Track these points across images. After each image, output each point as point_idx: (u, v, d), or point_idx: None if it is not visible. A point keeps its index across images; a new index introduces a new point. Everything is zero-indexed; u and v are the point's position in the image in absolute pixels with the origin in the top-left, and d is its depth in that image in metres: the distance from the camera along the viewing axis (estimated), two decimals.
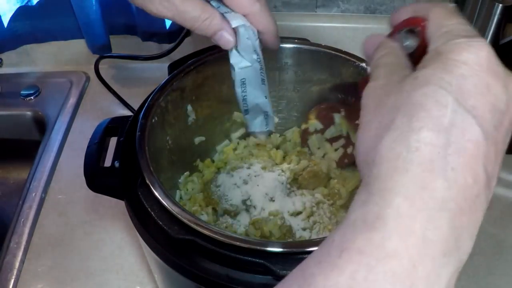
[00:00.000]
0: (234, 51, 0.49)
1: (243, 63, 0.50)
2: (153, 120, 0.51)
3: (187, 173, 0.62)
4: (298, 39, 0.62)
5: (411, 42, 0.30)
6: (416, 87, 0.25)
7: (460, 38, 0.26)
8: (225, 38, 0.46)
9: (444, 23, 0.27)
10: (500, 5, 0.70)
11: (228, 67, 0.51)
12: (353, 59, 0.58)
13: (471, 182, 0.24)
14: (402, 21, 0.31)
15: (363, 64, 0.57)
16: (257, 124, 0.57)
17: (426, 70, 0.25)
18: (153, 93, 0.54)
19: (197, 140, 0.63)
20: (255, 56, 0.49)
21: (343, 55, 0.59)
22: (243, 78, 0.51)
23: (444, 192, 0.23)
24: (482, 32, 0.73)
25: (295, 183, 0.62)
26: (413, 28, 0.30)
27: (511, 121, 0.25)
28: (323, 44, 0.60)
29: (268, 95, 0.54)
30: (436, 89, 0.24)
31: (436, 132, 0.23)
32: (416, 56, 0.29)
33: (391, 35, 0.32)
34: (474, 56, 0.25)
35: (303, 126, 0.65)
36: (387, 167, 0.24)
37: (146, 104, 0.53)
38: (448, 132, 0.23)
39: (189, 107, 0.59)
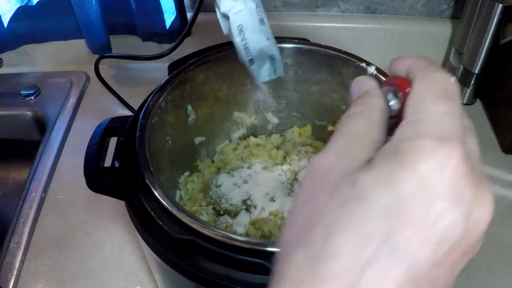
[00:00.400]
0: None
1: (237, 6, 0.47)
2: (153, 120, 0.51)
3: (187, 173, 0.62)
4: (298, 39, 0.62)
5: (394, 104, 0.25)
6: (348, 198, 0.20)
7: (429, 138, 0.20)
8: None
9: (423, 106, 0.22)
10: (500, 5, 0.70)
11: (228, 66, 0.49)
12: (353, 59, 0.58)
13: None
14: (391, 77, 0.26)
15: (363, 64, 0.57)
16: (265, 73, 0.53)
17: (369, 175, 0.20)
18: (153, 93, 0.54)
19: (197, 140, 0.63)
20: None
21: (343, 55, 0.59)
22: (240, 25, 0.47)
23: None
24: (482, 32, 0.73)
25: (296, 183, 0.62)
26: (396, 90, 0.25)
27: (463, 255, 0.20)
28: (323, 44, 0.60)
29: (271, 36, 0.49)
30: (368, 209, 0.19)
31: (349, 267, 0.19)
32: (397, 122, 0.23)
33: (384, 84, 0.26)
34: (437, 170, 0.19)
35: (330, 128, 0.65)
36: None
37: (146, 104, 0.53)
38: (364, 268, 0.19)
39: (189, 107, 0.59)
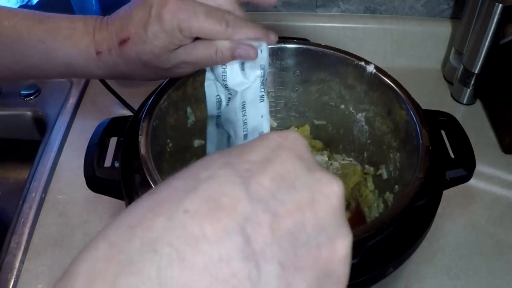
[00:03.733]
0: (237, 69, 0.46)
1: (245, 83, 0.47)
2: (154, 123, 0.51)
3: None
4: (298, 39, 0.61)
5: None
6: None
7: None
8: (245, 52, 0.45)
9: None
10: (500, 5, 0.70)
11: None
12: (352, 58, 0.58)
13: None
14: None
15: (362, 63, 0.57)
16: None
17: None
18: (153, 95, 0.54)
19: (197, 143, 0.63)
20: (258, 72, 0.46)
21: (341, 54, 0.59)
22: (244, 101, 0.48)
23: (161, 232, 0.19)
24: (482, 32, 0.73)
25: None
26: None
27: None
28: (321, 44, 0.61)
29: (266, 113, 0.50)
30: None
31: None
32: None
33: None
34: None
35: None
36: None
37: (147, 106, 0.52)
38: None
39: (189, 109, 0.59)
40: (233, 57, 0.45)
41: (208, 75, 0.48)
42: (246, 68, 0.46)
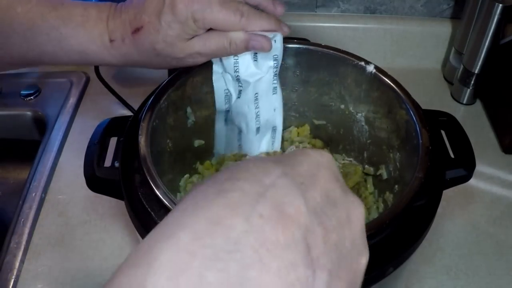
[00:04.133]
0: (249, 60, 0.45)
1: (258, 74, 0.46)
2: (154, 123, 0.51)
3: (187, 175, 0.62)
4: (297, 39, 0.61)
5: None
6: None
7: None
8: (259, 44, 0.44)
9: None
10: (500, 5, 0.70)
11: None
12: (352, 58, 0.58)
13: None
14: None
15: (362, 63, 0.57)
16: (264, 145, 0.53)
17: None
18: (153, 95, 0.54)
19: (197, 143, 0.63)
20: (272, 63, 0.46)
21: (341, 55, 0.59)
22: (257, 93, 0.47)
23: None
24: (482, 32, 0.73)
25: None
26: None
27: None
28: (321, 44, 0.61)
29: (279, 106, 0.49)
30: None
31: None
32: None
33: None
34: None
35: None
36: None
37: (147, 106, 0.52)
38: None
39: (189, 109, 0.59)
40: (247, 49, 0.44)
41: (216, 68, 0.47)
42: (259, 58, 0.46)
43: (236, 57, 0.45)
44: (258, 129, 0.50)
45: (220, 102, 0.48)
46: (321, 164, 0.26)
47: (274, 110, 0.50)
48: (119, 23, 0.45)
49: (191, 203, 0.22)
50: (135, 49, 0.46)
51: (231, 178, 0.23)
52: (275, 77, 0.47)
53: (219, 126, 0.51)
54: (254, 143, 0.52)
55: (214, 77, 0.48)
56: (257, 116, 0.49)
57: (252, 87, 0.46)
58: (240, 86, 0.47)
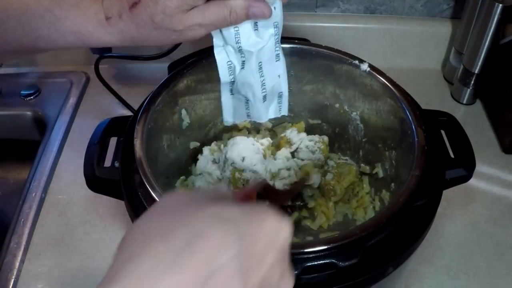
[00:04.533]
0: (250, 30, 0.45)
1: (260, 43, 0.46)
2: (149, 126, 0.51)
3: (183, 177, 0.62)
4: (298, 39, 0.62)
5: None
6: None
7: None
8: (259, 11, 0.44)
9: None
10: (500, 5, 0.70)
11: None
12: (346, 57, 0.58)
13: None
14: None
15: (356, 62, 0.57)
16: (272, 111, 0.53)
17: None
18: (148, 98, 0.54)
19: (192, 145, 0.63)
20: (272, 30, 0.45)
21: (335, 54, 0.59)
22: (260, 62, 0.47)
23: None
24: (482, 32, 0.73)
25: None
26: None
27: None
28: (315, 43, 0.61)
29: (283, 72, 0.49)
30: None
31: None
32: None
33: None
34: None
35: None
36: None
37: (142, 109, 0.53)
38: None
39: (183, 111, 0.59)
40: (247, 16, 0.44)
41: (217, 41, 0.47)
42: (260, 27, 0.45)
43: (236, 28, 0.45)
44: (265, 97, 0.50)
45: (224, 74, 0.48)
46: (276, 243, 0.27)
47: (279, 76, 0.49)
48: (114, 0, 0.45)
49: (148, 262, 0.24)
50: (133, 24, 0.45)
51: (189, 246, 0.24)
52: (277, 44, 0.47)
53: (225, 97, 0.51)
54: (262, 110, 0.51)
55: (215, 51, 0.47)
56: (263, 84, 0.49)
57: (255, 56, 0.46)
58: (243, 56, 0.47)
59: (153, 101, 0.53)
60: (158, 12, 0.43)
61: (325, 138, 0.66)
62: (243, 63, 0.47)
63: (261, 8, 0.43)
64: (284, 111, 0.53)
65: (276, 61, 0.48)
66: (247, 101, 0.50)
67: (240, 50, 0.46)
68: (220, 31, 0.46)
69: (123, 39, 0.47)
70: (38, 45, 0.49)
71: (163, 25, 0.44)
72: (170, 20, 0.44)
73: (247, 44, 0.46)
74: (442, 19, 0.87)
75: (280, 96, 0.51)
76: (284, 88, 0.51)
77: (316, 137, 0.65)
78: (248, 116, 0.52)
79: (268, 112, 0.52)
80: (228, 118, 0.53)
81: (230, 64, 0.48)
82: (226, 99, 0.51)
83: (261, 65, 0.47)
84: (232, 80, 0.49)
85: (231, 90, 0.50)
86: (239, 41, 0.45)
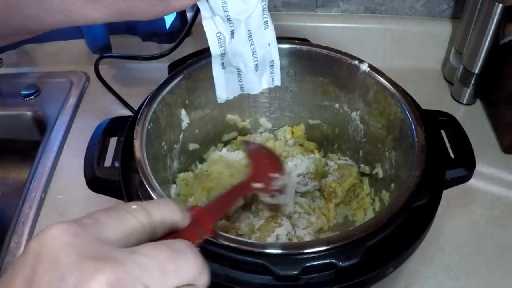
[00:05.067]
0: None
1: (248, 10, 0.45)
2: (149, 127, 0.51)
3: (183, 177, 0.62)
4: (298, 39, 0.62)
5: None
6: None
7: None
8: None
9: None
10: (500, 5, 0.70)
11: None
12: (345, 58, 0.58)
13: None
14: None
15: (356, 62, 0.57)
16: (265, 81, 0.52)
17: None
18: (147, 98, 0.54)
19: (191, 146, 0.63)
20: None
21: (335, 54, 0.59)
22: (249, 29, 0.46)
23: None
24: (482, 32, 0.73)
25: None
26: None
27: None
28: (315, 44, 0.61)
29: (273, 40, 0.48)
30: None
31: None
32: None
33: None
34: None
35: None
36: None
37: (141, 109, 0.53)
38: None
39: (183, 112, 0.59)
40: None
41: (204, 13, 0.46)
42: None
43: None
44: (256, 66, 0.50)
45: (214, 46, 0.47)
46: (39, 259, 0.24)
47: (269, 44, 0.49)
48: None
49: None
50: None
51: None
52: (264, 11, 0.46)
53: (217, 71, 0.50)
54: (254, 81, 0.51)
55: (204, 22, 0.47)
56: (254, 52, 0.48)
57: (244, 24, 0.46)
58: (232, 25, 0.46)
59: (153, 101, 0.53)
60: None
61: (314, 165, 0.65)
62: (232, 32, 0.47)
63: None
64: (277, 81, 0.53)
65: (265, 28, 0.47)
66: (239, 72, 0.50)
67: (228, 19, 0.46)
68: (207, 1, 0.45)
69: (111, 13, 0.46)
70: (27, 26, 0.48)
71: None
72: None
73: (235, 12, 0.45)
74: (442, 19, 0.87)
75: (271, 65, 0.51)
76: (275, 56, 0.50)
77: (304, 167, 0.64)
78: (242, 88, 0.52)
79: (261, 83, 0.52)
80: (221, 94, 0.52)
81: (219, 36, 0.47)
82: (218, 73, 0.50)
83: (250, 33, 0.46)
84: (223, 52, 0.48)
85: (222, 64, 0.49)
86: (226, 10, 0.45)
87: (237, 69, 0.50)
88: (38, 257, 0.24)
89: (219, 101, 0.53)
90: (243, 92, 0.53)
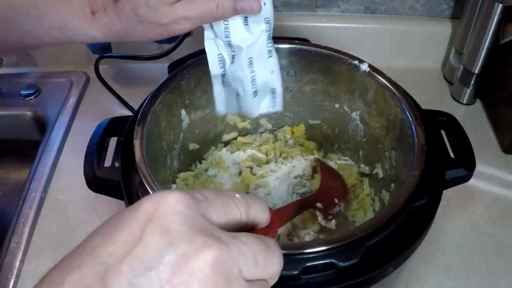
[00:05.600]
0: (240, 25, 0.44)
1: (250, 38, 0.45)
2: (149, 127, 0.51)
3: (182, 177, 0.62)
4: (298, 39, 0.61)
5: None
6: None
7: None
8: (248, 5, 0.42)
9: None
10: (500, 5, 0.70)
11: None
12: (345, 57, 0.58)
13: None
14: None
15: (356, 62, 0.57)
16: (264, 106, 0.52)
17: None
18: (148, 98, 0.54)
19: (192, 146, 0.63)
20: (264, 26, 0.45)
21: (335, 54, 0.59)
22: (251, 57, 0.46)
23: None
24: (482, 32, 0.73)
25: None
26: None
27: None
28: (314, 43, 0.61)
29: (276, 68, 0.48)
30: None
31: None
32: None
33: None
34: None
35: None
36: None
37: (141, 109, 0.53)
38: None
39: (183, 112, 0.59)
40: (235, 11, 0.43)
41: (208, 34, 0.46)
42: (250, 22, 0.44)
43: (226, 22, 0.44)
44: (255, 92, 0.49)
45: (214, 67, 0.47)
46: (150, 219, 0.24)
47: (272, 72, 0.49)
48: None
49: None
50: (117, 17, 0.44)
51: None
52: (269, 41, 0.46)
53: (217, 88, 0.50)
54: (253, 105, 0.51)
55: (206, 42, 0.46)
56: (253, 80, 0.48)
57: (245, 52, 0.45)
58: (233, 51, 0.46)
59: (153, 101, 0.53)
60: (142, 5, 0.42)
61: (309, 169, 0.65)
62: (233, 57, 0.47)
63: (249, 3, 0.42)
64: (278, 107, 0.52)
65: (269, 57, 0.47)
66: (237, 94, 0.50)
67: (229, 45, 0.46)
68: (211, 24, 0.45)
69: (109, 33, 0.46)
70: (24, 42, 0.48)
71: (148, 18, 0.43)
72: (155, 14, 0.43)
73: (236, 39, 0.45)
74: (442, 19, 0.87)
75: (273, 92, 0.51)
76: (278, 84, 0.50)
77: (299, 169, 0.64)
78: (240, 109, 0.52)
79: (260, 107, 0.51)
80: (221, 108, 0.52)
81: (220, 57, 0.47)
82: (218, 90, 0.50)
83: (251, 60, 0.46)
84: (223, 72, 0.48)
85: (223, 82, 0.50)
86: (228, 36, 0.45)
87: (236, 91, 0.50)
88: (150, 218, 0.24)
89: (218, 114, 0.53)
90: (242, 112, 0.53)
